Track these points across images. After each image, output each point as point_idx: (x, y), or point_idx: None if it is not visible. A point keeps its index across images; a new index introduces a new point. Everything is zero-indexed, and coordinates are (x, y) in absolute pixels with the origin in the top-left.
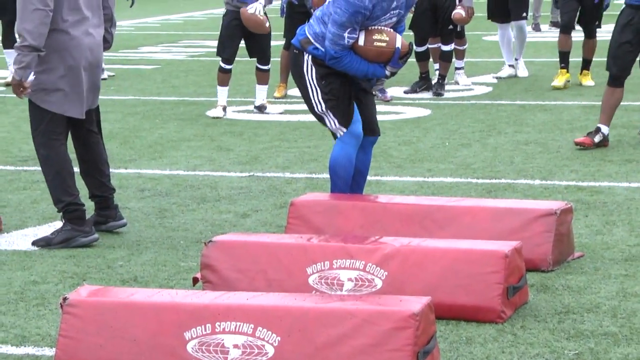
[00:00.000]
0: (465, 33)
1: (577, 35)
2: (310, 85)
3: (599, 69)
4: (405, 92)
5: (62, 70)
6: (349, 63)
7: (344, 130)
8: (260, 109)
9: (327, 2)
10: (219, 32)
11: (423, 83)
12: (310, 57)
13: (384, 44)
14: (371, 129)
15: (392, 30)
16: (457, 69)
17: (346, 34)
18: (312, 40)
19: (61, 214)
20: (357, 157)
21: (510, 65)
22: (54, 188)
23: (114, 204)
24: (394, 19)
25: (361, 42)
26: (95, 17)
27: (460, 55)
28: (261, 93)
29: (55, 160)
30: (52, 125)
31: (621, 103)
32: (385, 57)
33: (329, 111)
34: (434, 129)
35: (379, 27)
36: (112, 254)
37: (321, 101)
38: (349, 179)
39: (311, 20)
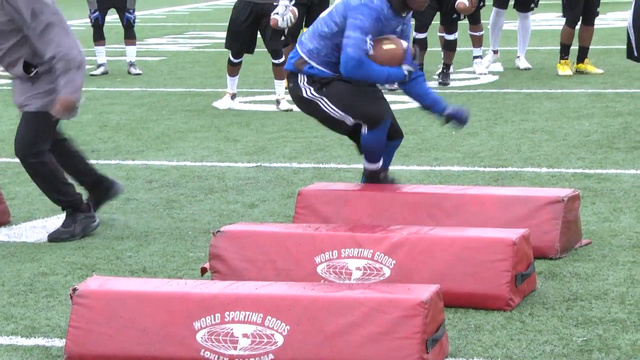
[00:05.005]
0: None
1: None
2: (315, 100)
3: (604, 56)
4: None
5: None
6: (370, 66)
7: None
8: (277, 103)
9: (320, 18)
10: (227, 23)
11: None
12: (305, 77)
13: (393, 46)
14: (394, 130)
15: (394, 36)
16: (475, 57)
17: (368, 39)
18: (307, 59)
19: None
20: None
21: (494, 51)
22: (54, 188)
23: (98, 175)
24: (398, 31)
25: (371, 52)
26: None
27: (477, 42)
28: (278, 88)
29: (49, 161)
30: (49, 131)
31: (628, 90)
32: (398, 58)
33: (346, 112)
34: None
35: (383, 36)
36: (121, 245)
37: (332, 107)
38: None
39: (302, 39)
